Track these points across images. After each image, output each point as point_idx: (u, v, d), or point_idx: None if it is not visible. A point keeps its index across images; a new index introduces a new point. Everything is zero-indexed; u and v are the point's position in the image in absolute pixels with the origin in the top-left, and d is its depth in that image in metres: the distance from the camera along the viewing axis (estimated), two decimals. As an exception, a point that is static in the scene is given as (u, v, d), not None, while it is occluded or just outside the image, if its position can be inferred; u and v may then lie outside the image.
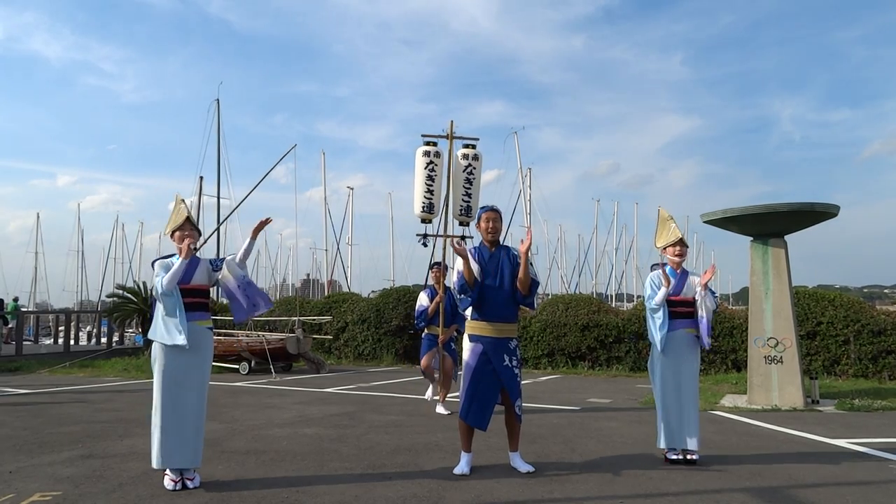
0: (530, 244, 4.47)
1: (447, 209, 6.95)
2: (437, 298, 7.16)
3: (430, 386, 7.27)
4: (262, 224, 4.32)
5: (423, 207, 6.80)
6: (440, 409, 7.20)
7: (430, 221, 6.88)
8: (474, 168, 6.84)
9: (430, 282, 7.52)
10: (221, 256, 4.46)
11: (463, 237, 6.85)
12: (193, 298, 4.22)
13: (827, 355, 11.29)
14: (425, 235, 6.90)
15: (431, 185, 6.77)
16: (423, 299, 7.44)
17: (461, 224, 6.89)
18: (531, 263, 4.57)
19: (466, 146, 6.87)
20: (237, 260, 4.37)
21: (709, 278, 4.96)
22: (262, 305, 4.43)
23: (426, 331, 7.44)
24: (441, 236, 6.91)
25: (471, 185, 6.79)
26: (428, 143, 6.84)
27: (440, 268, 7.29)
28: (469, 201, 6.79)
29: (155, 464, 4.04)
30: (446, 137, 6.89)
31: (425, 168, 6.77)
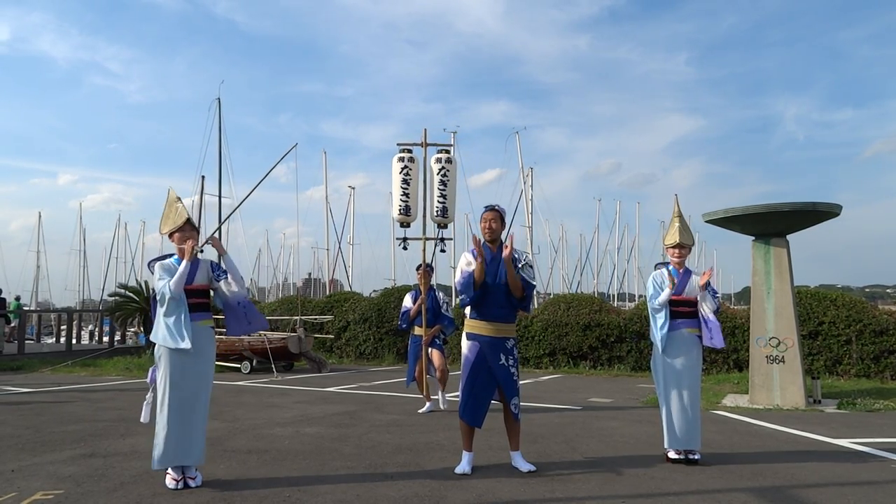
0: (511, 250, 4.41)
1: (426, 212, 7.17)
2: (419, 300, 7.27)
3: (427, 404, 7.30)
4: (215, 244, 4.43)
5: (401, 210, 7.06)
6: (441, 405, 7.33)
7: (408, 225, 7.14)
8: (448, 171, 7.09)
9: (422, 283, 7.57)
10: (218, 264, 4.45)
11: (442, 238, 7.06)
12: (195, 299, 4.23)
13: (829, 355, 11.29)
14: (405, 239, 7.16)
15: (407, 189, 7.03)
16: (407, 301, 7.54)
17: (439, 226, 7.11)
18: (531, 266, 4.57)
19: (441, 151, 7.12)
20: (233, 289, 4.34)
21: (706, 280, 4.95)
22: (256, 326, 4.52)
23: (412, 332, 7.52)
24: (420, 239, 7.13)
25: (445, 186, 7.02)
26: (403, 151, 7.11)
27: (425, 269, 7.34)
28: (445, 202, 7.02)
29: (155, 465, 4.03)
30: (421, 145, 7.16)
31: (400, 173, 7.05)
